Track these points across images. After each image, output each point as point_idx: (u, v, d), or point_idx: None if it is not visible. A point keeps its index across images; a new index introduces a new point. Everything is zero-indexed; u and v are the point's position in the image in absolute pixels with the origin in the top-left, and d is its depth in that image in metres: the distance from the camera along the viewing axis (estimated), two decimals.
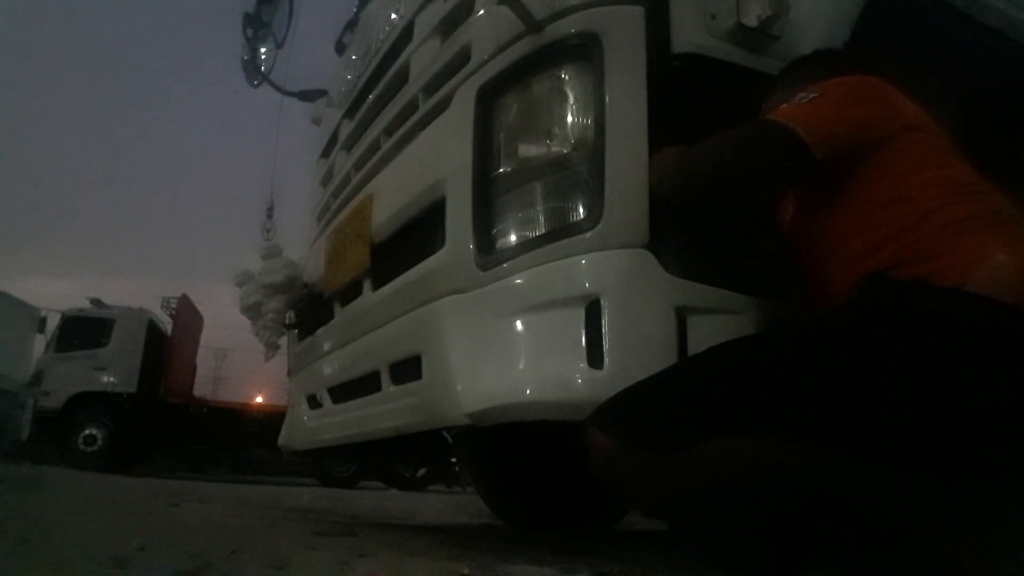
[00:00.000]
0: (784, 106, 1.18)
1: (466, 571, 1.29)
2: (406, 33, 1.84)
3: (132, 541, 1.47)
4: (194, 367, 11.75)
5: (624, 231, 1.19)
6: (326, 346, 2.08)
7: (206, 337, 12.60)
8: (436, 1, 1.71)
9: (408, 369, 1.53)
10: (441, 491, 9.79)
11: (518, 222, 1.32)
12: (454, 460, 9.11)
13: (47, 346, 10.31)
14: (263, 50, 2.33)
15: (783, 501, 0.89)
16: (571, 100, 1.29)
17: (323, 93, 2.56)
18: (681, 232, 1.21)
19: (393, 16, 1.97)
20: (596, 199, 1.20)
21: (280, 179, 2.65)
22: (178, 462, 11.02)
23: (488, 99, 1.41)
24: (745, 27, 1.30)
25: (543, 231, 1.27)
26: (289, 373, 2.51)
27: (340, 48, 2.56)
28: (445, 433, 2.95)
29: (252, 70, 2.33)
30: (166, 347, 10.45)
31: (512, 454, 2.64)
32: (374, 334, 1.72)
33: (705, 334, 1.15)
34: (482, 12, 1.49)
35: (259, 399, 13.28)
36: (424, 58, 1.72)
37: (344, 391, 1.95)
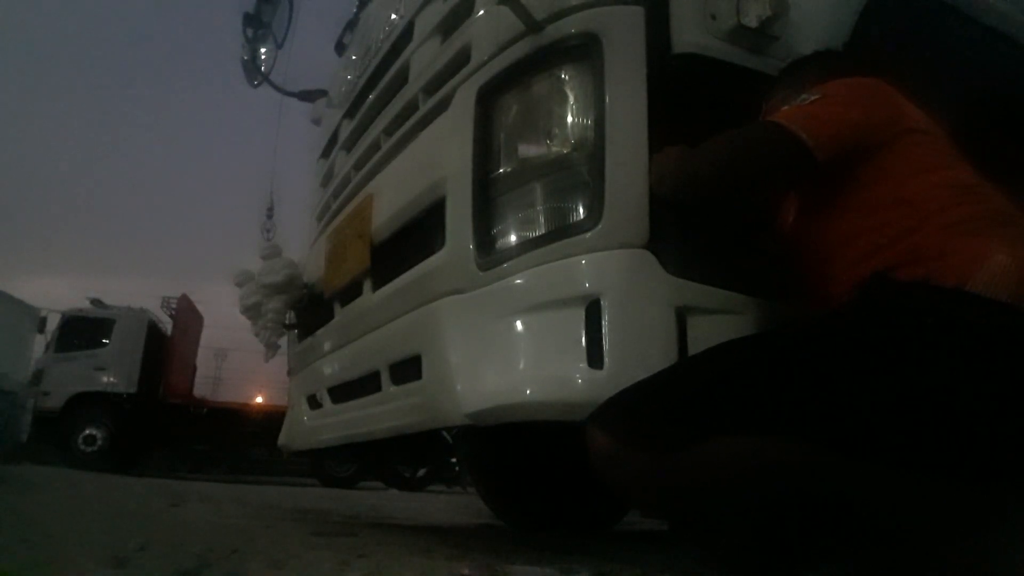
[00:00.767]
0: (786, 107, 1.18)
1: (466, 571, 1.29)
2: (406, 33, 1.84)
3: (132, 541, 1.47)
4: (194, 367, 11.75)
5: (624, 231, 1.19)
6: (326, 346, 2.08)
7: (206, 337, 12.62)
8: (436, 1, 1.71)
9: (408, 369, 1.53)
10: (441, 491, 9.78)
11: (518, 222, 1.32)
12: (454, 460, 9.13)
13: (47, 346, 10.30)
14: (263, 50, 2.33)
15: (783, 501, 0.89)
16: (571, 100, 1.29)
17: (323, 93, 2.56)
18: (681, 232, 1.21)
19: (393, 16, 1.97)
20: (596, 199, 1.20)
21: (280, 179, 2.65)
22: (178, 462, 11.01)
23: (488, 99, 1.40)
24: (745, 27, 1.30)
25: (543, 231, 1.27)
26: (289, 373, 2.50)
27: (340, 48, 2.56)
28: (445, 433, 2.96)
29: (252, 70, 2.33)
30: (166, 347, 10.45)
31: (512, 454, 2.64)
32: (374, 334, 1.72)
33: (705, 334, 1.15)
34: (482, 12, 1.49)
35: (259, 399, 13.28)
36: (424, 58, 1.72)
37: (344, 391, 1.95)
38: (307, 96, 2.62)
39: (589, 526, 2.65)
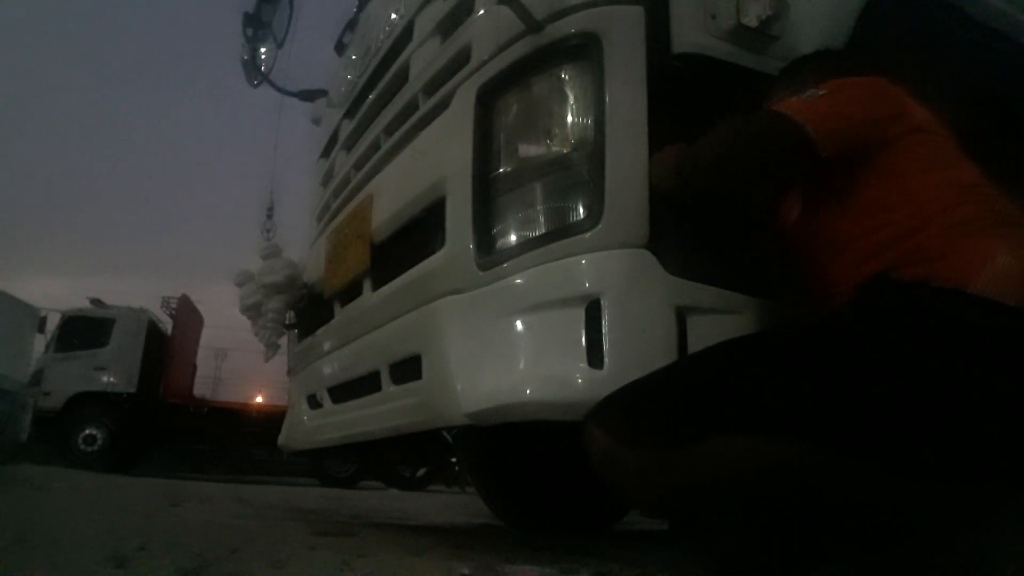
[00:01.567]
0: (793, 99, 1.16)
1: (466, 571, 1.29)
2: (406, 33, 1.84)
3: (132, 541, 1.47)
4: (194, 367, 11.74)
5: (624, 231, 1.19)
6: (326, 346, 2.08)
7: (206, 337, 12.61)
8: (436, 1, 1.71)
9: (408, 369, 1.53)
10: (441, 491, 9.79)
11: (518, 222, 1.32)
12: (454, 460, 9.12)
13: (47, 346, 10.29)
14: (263, 50, 2.33)
15: (784, 501, 0.89)
16: (571, 100, 1.29)
17: (323, 93, 2.57)
18: (681, 232, 1.21)
19: (393, 16, 1.97)
20: (596, 199, 1.20)
21: (280, 179, 2.65)
22: (178, 462, 11.00)
23: (488, 99, 1.41)
24: (745, 27, 1.30)
25: (543, 231, 1.27)
26: (289, 373, 2.51)
27: (340, 48, 2.55)
28: (445, 433, 2.95)
29: (252, 70, 2.33)
30: (166, 347, 10.44)
31: (512, 454, 2.64)
32: (374, 334, 1.72)
33: (705, 334, 1.15)
34: (482, 12, 1.49)
35: (259, 399, 13.28)
36: (424, 58, 1.72)
37: (344, 391, 1.95)
38: (307, 96, 2.62)
39: (589, 526, 2.65)
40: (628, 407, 1.02)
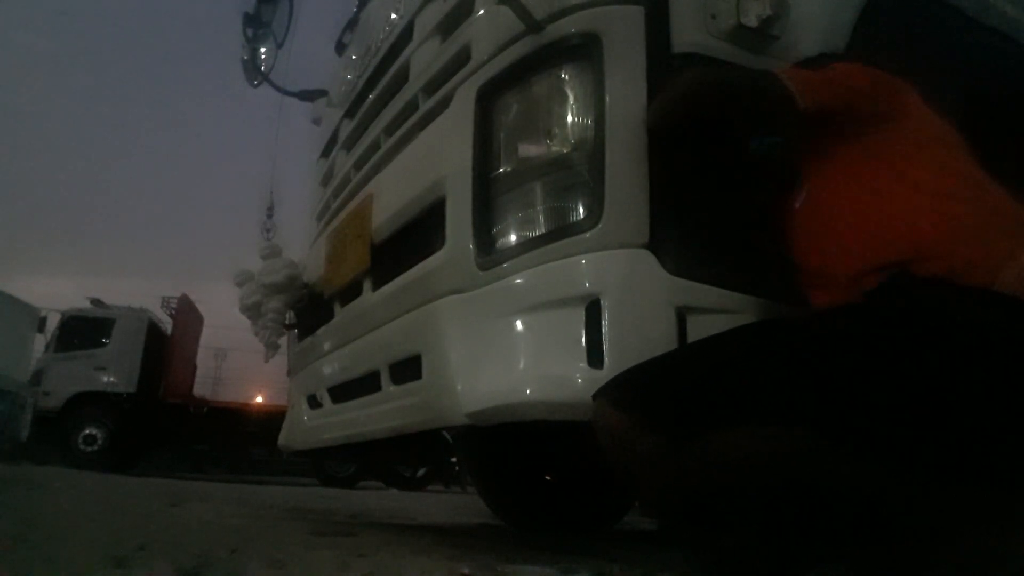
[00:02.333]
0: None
1: (466, 571, 1.29)
2: (406, 33, 1.84)
3: (132, 541, 1.47)
4: (194, 367, 11.75)
5: (624, 231, 1.19)
6: (326, 346, 2.08)
7: (206, 337, 12.62)
8: (436, 1, 1.71)
9: (408, 369, 1.53)
10: (441, 491, 9.78)
11: (518, 222, 1.32)
12: (454, 460, 9.12)
13: (47, 346, 10.30)
14: (263, 50, 2.33)
15: (798, 495, 0.88)
16: (571, 100, 1.29)
17: (323, 93, 2.56)
18: (681, 232, 1.21)
19: (393, 16, 1.97)
20: (596, 199, 1.20)
21: (280, 179, 2.65)
22: (178, 462, 11.01)
23: (488, 99, 1.41)
24: (745, 27, 1.30)
25: (543, 231, 1.27)
26: (289, 373, 2.51)
27: (340, 48, 2.56)
28: (445, 433, 2.95)
29: (252, 70, 2.33)
30: (166, 347, 10.44)
31: (512, 454, 2.64)
32: (374, 334, 1.72)
33: (705, 333, 1.15)
34: (482, 12, 1.49)
35: (259, 399, 13.27)
36: (424, 58, 1.72)
37: (344, 391, 1.95)
38: (307, 96, 2.62)
39: (589, 526, 2.65)
40: (645, 389, 1.00)
